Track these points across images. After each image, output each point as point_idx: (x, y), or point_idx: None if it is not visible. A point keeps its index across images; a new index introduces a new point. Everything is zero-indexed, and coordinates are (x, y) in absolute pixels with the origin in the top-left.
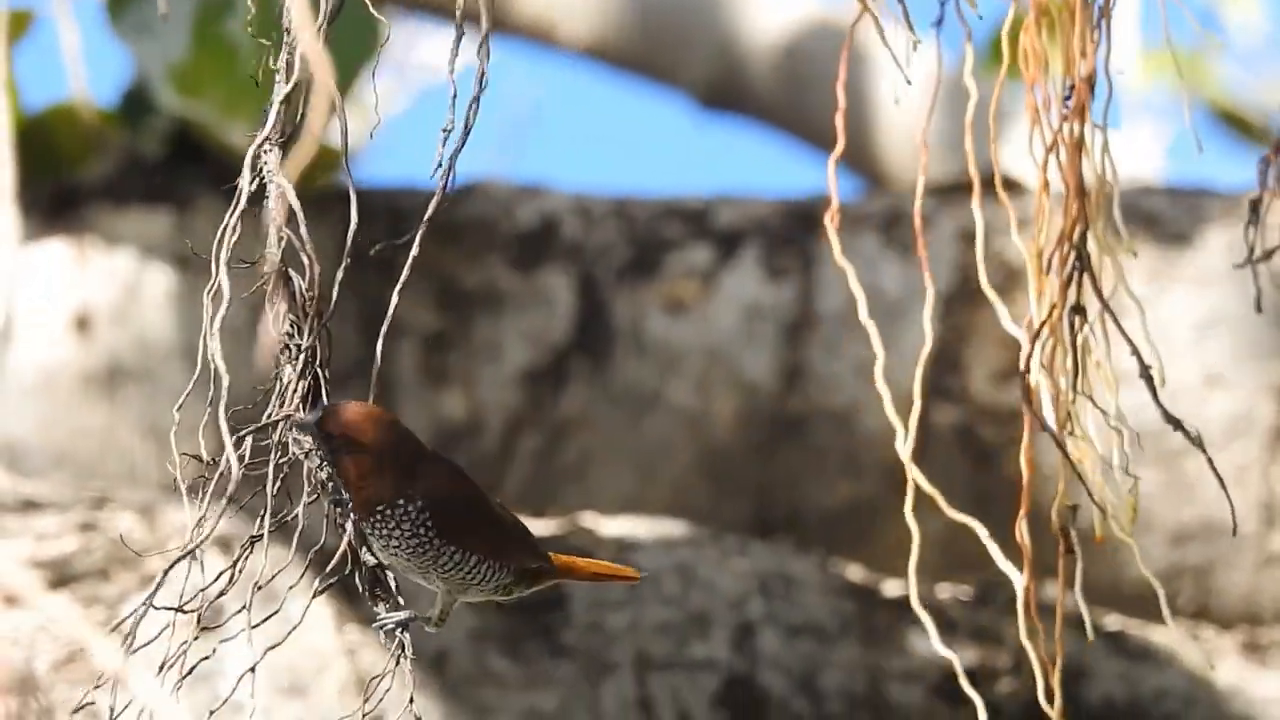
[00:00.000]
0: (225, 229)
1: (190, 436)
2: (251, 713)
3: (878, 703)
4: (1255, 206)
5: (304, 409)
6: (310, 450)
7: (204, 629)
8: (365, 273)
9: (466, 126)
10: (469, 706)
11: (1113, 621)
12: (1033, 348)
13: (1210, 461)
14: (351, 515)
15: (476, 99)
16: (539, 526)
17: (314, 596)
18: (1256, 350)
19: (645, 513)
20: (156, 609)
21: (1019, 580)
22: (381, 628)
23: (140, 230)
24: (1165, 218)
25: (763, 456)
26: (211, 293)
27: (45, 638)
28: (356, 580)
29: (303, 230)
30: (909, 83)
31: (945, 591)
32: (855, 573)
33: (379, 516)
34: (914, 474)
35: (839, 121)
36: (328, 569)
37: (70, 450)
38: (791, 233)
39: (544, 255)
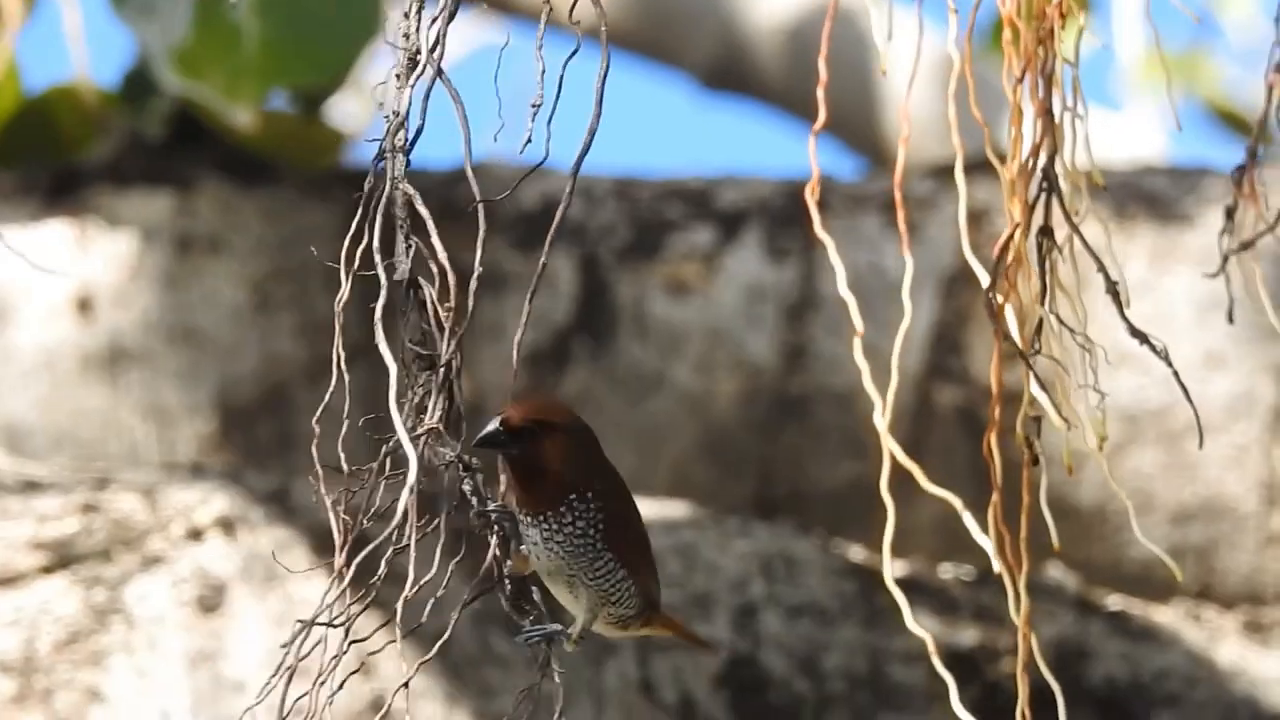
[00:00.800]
0: (354, 230)
1: (191, 416)
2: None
3: (880, 683)
4: (1230, 214)
5: (442, 424)
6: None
7: (205, 609)
8: (368, 254)
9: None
10: (471, 687)
11: (1114, 601)
12: (998, 265)
13: (1184, 390)
14: (519, 513)
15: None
16: None
17: (462, 608)
18: (1258, 331)
19: (647, 493)
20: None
21: (987, 543)
22: (527, 640)
23: (142, 212)
24: (1166, 198)
25: (765, 437)
26: (341, 304)
27: (47, 619)
28: (499, 593)
29: (435, 239)
30: (901, 59)
31: (947, 571)
32: (857, 553)
33: (563, 507)
34: (890, 444)
35: (820, 95)
36: (476, 581)
37: (71, 431)
38: (794, 213)
39: (546, 236)
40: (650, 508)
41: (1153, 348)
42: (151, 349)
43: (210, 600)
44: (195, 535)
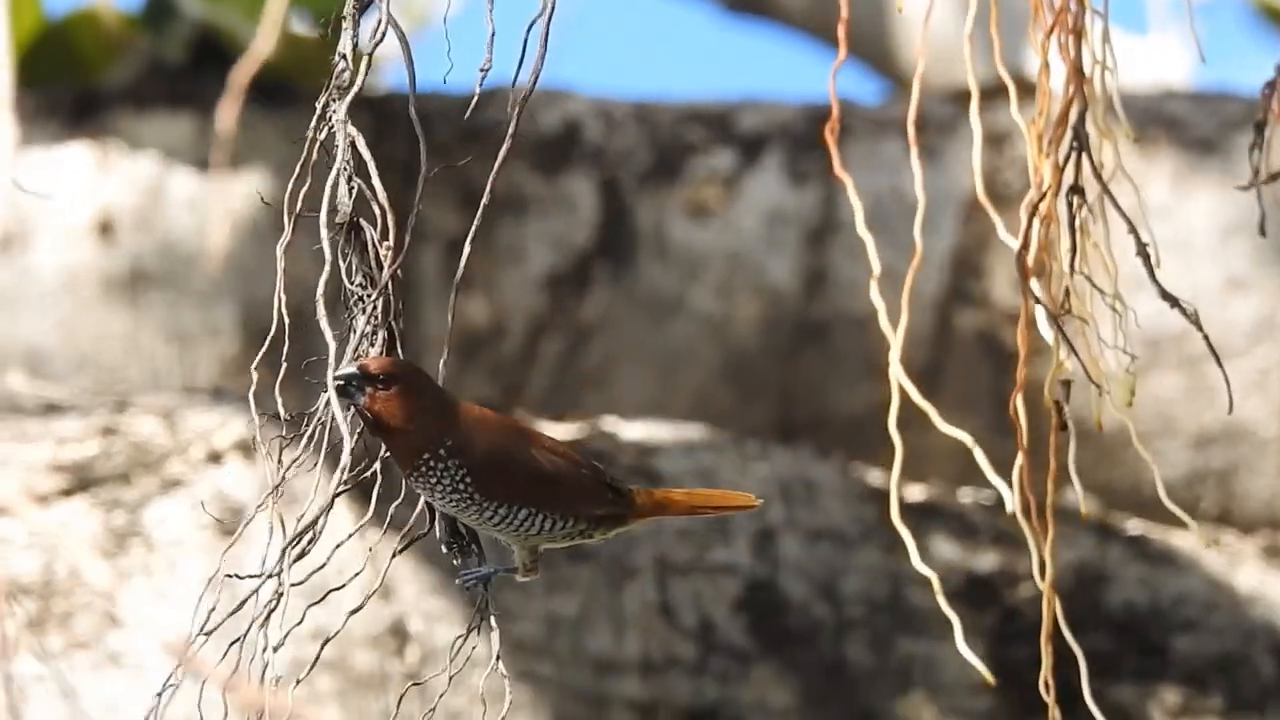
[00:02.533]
0: (296, 176)
1: (212, 339)
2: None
3: (898, 607)
4: (1260, 128)
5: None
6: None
7: (224, 532)
8: (387, 177)
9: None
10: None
11: (1134, 526)
12: (1029, 225)
13: (1207, 339)
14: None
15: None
16: (559, 430)
17: (392, 558)
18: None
19: (667, 417)
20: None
21: (1007, 494)
22: (464, 584)
23: (162, 135)
24: (1189, 123)
25: (785, 361)
26: (283, 246)
27: (67, 541)
28: (436, 533)
29: (375, 180)
30: None
31: (967, 496)
32: (876, 477)
33: (419, 470)
34: (903, 380)
35: (841, 31)
36: (405, 532)
37: (92, 354)
38: (815, 137)
39: (567, 159)
40: (669, 431)
41: (1184, 312)
42: (172, 272)
43: (229, 523)
44: (215, 459)
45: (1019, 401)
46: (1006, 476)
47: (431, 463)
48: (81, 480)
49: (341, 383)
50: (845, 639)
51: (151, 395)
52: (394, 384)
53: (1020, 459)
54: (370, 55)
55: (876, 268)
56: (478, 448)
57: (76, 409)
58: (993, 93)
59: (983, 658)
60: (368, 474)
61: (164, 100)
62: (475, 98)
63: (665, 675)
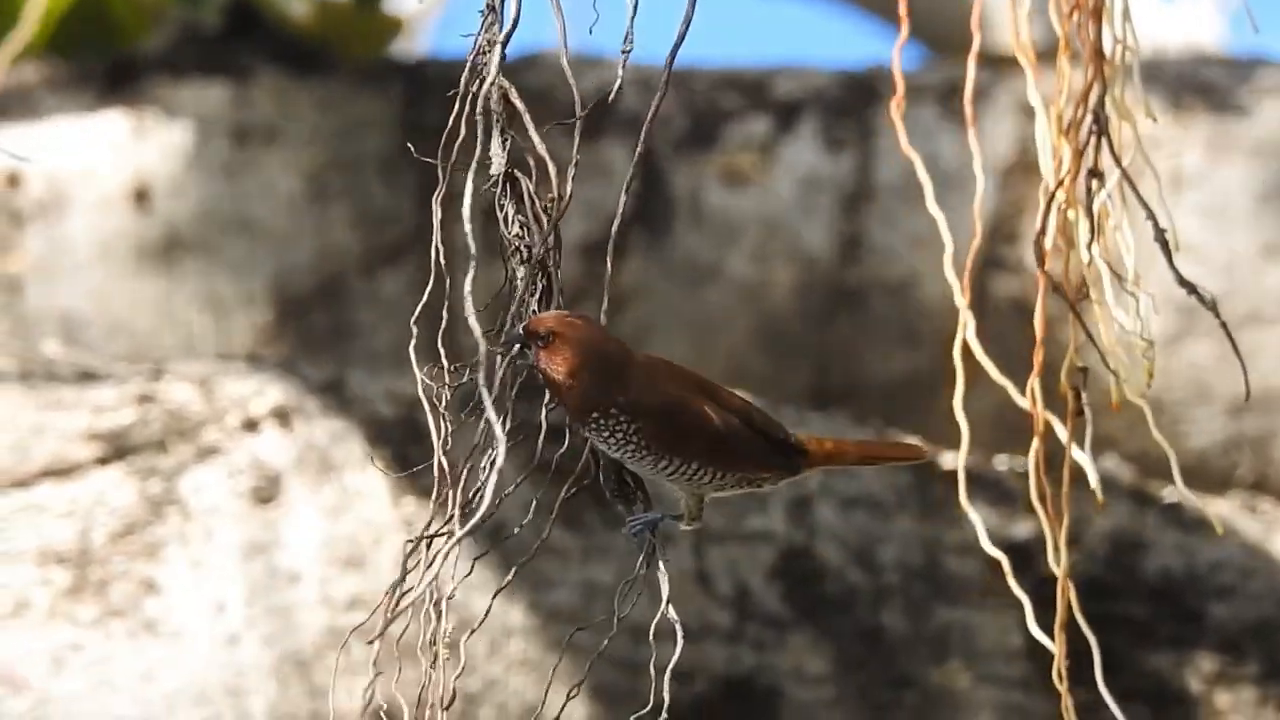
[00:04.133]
0: (448, 132)
1: (247, 307)
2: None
3: (934, 575)
4: None
5: (539, 312)
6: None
7: (261, 500)
8: (423, 143)
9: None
10: (527, 578)
11: (1170, 493)
12: (1048, 210)
13: (1224, 326)
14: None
15: None
16: None
17: (559, 502)
18: None
19: None
20: None
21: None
22: (631, 530)
23: (198, 102)
24: (1222, 88)
25: (820, 327)
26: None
27: (102, 510)
28: (601, 481)
29: (533, 133)
30: None
31: (1003, 463)
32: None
33: (592, 424)
34: (965, 338)
35: (903, 9)
36: (577, 473)
37: (127, 322)
38: (850, 104)
39: (602, 126)
40: None
41: (1201, 299)
42: (208, 239)
43: (265, 491)
44: (251, 426)
45: (1036, 386)
46: (1053, 440)
47: (602, 420)
48: (118, 448)
49: (509, 346)
50: (881, 606)
51: (187, 363)
52: (559, 341)
53: (1036, 444)
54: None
55: (942, 221)
56: (650, 404)
57: (112, 377)
58: (1039, 55)
59: (1019, 625)
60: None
61: (199, 68)
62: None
63: (701, 643)
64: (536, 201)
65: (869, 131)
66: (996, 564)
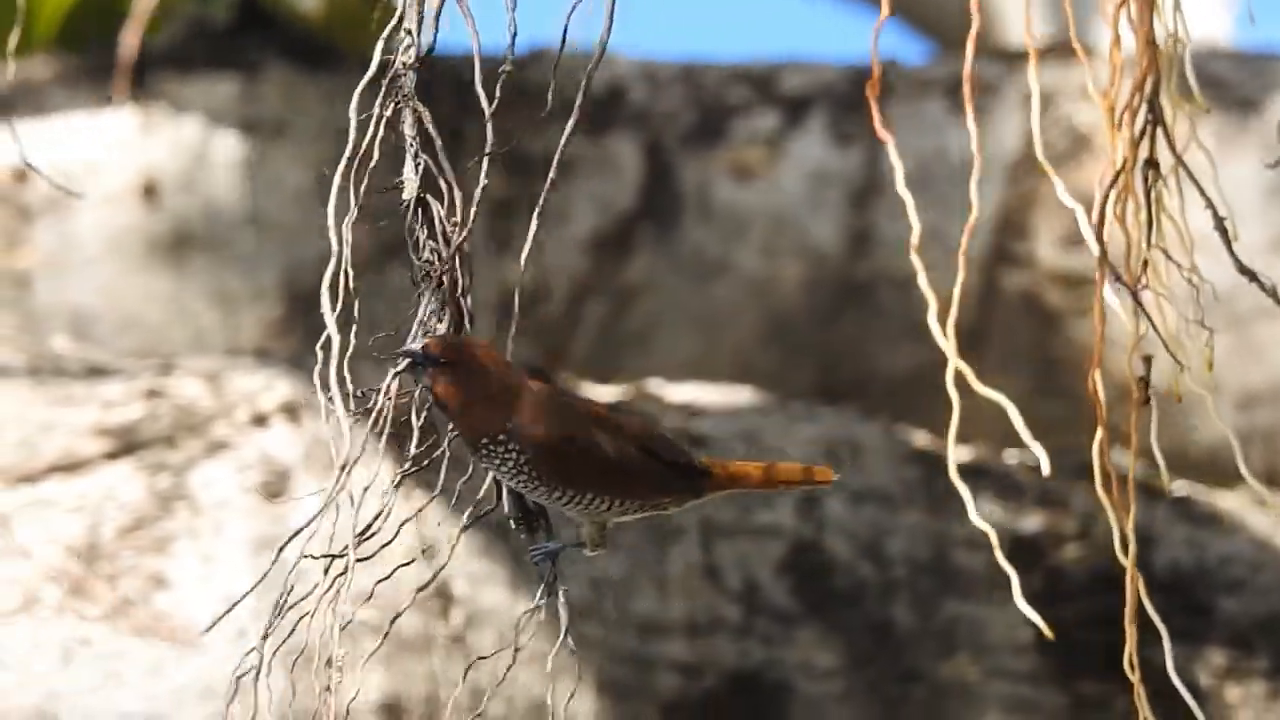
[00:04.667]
0: (356, 153)
1: (256, 302)
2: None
3: (943, 569)
4: None
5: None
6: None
7: (271, 496)
8: (433, 141)
9: None
10: (534, 572)
11: (1180, 487)
12: (1105, 201)
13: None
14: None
15: None
16: (604, 393)
17: (461, 531)
18: None
19: (711, 379)
20: None
21: (1043, 457)
22: (533, 560)
23: (207, 97)
24: (1232, 82)
25: (829, 322)
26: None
27: (112, 505)
28: (505, 507)
29: (442, 156)
30: None
31: (1012, 458)
32: (921, 438)
33: (482, 452)
34: (949, 344)
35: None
36: (476, 504)
37: (136, 317)
38: (859, 98)
39: (611, 121)
40: (714, 393)
41: (1262, 286)
42: (217, 235)
43: (274, 485)
44: (260, 421)
45: (1098, 378)
46: (1047, 437)
47: (492, 446)
48: (126, 443)
49: (408, 360)
50: (890, 600)
51: (196, 358)
52: (454, 365)
53: (1100, 434)
54: (435, 29)
55: (917, 230)
56: (537, 434)
57: (121, 372)
58: (1038, 53)
59: (1028, 620)
60: (435, 453)
61: (208, 62)
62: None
63: (710, 637)
64: (446, 227)
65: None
66: (1008, 556)
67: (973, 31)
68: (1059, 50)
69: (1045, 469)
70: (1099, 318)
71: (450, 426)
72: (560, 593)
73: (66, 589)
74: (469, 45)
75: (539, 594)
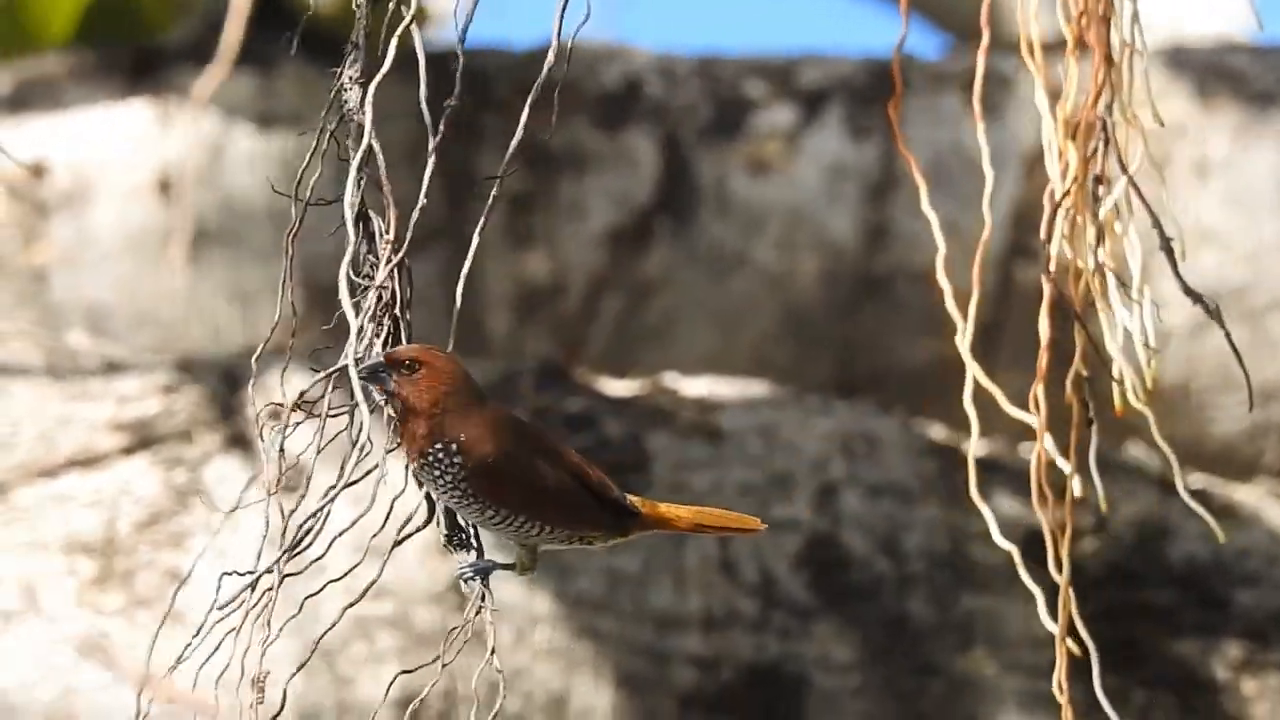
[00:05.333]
0: (305, 166)
1: (272, 296)
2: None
3: (960, 562)
4: None
5: (383, 350)
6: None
7: (287, 490)
8: (450, 132)
9: None
10: (553, 568)
11: (1196, 480)
12: (1054, 217)
13: (1228, 335)
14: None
15: None
16: (620, 387)
17: (393, 546)
18: None
19: (728, 372)
20: None
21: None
22: (461, 577)
23: (223, 92)
24: (1249, 76)
25: (846, 316)
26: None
27: (128, 500)
28: (438, 525)
29: (382, 171)
30: None
31: (1027, 451)
32: (938, 432)
33: (425, 460)
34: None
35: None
36: (409, 519)
37: (153, 312)
38: (876, 92)
39: (628, 115)
40: (731, 386)
41: (1206, 308)
42: (233, 230)
43: (291, 480)
44: (275, 416)
45: (1040, 392)
46: (1063, 430)
47: (439, 454)
48: (143, 438)
49: (368, 371)
50: (907, 594)
51: (212, 353)
52: (421, 369)
53: (1038, 448)
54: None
55: (942, 247)
56: (481, 450)
57: (138, 367)
58: (1053, 46)
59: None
60: (374, 471)
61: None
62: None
63: (727, 631)
64: (386, 243)
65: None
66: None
67: (984, 42)
68: (1064, 48)
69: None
70: (1048, 328)
71: (395, 435)
72: (488, 611)
73: (84, 583)
74: (487, 41)
75: (468, 612)
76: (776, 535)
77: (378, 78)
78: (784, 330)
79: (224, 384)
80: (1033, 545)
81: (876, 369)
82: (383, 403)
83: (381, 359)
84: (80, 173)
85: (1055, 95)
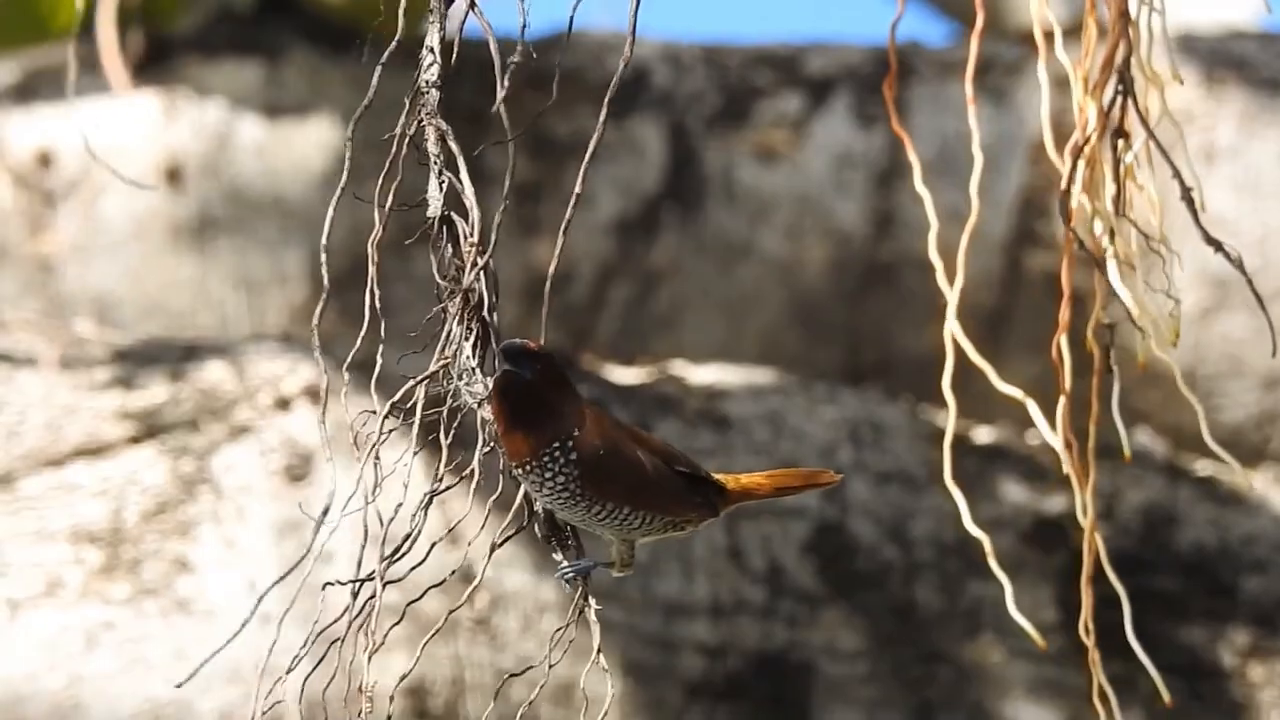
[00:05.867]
0: (384, 175)
1: (282, 286)
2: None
3: (967, 550)
4: None
5: (473, 354)
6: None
7: (293, 478)
8: (456, 123)
9: None
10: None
11: (1203, 467)
12: (1073, 169)
13: (1251, 285)
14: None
15: None
16: (628, 375)
17: (495, 547)
18: None
19: (735, 360)
20: None
21: (1057, 443)
22: (563, 576)
23: (230, 82)
24: (1257, 62)
25: (853, 304)
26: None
27: (134, 489)
28: (535, 529)
29: (464, 175)
30: None
31: (1035, 438)
32: (944, 420)
33: (538, 461)
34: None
35: None
36: (510, 517)
37: (160, 301)
38: (882, 80)
39: (634, 104)
40: (738, 374)
41: (1227, 256)
42: (241, 219)
43: (298, 469)
44: (283, 405)
45: (1064, 342)
46: (1071, 417)
47: (555, 453)
48: (150, 427)
49: (512, 354)
50: (914, 581)
51: (220, 342)
52: (550, 367)
53: (1062, 404)
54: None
55: (934, 225)
56: (592, 446)
57: (145, 356)
58: (1065, 31)
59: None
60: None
61: (232, 47)
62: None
63: (734, 619)
64: (470, 246)
65: (902, 107)
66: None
67: (978, 24)
68: (1078, 30)
69: (1060, 450)
70: (1068, 279)
71: (491, 437)
72: (592, 610)
73: (91, 573)
74: (495, 29)
75: (570, 614)
76: (784, 523)
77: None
78: (791, 318)
79: (231, 373)
80: (1041, 532)
81: (884, 356)
82: (475, 405)
83: (518, 346)
84: (88, 162)
85: (1061, 81)
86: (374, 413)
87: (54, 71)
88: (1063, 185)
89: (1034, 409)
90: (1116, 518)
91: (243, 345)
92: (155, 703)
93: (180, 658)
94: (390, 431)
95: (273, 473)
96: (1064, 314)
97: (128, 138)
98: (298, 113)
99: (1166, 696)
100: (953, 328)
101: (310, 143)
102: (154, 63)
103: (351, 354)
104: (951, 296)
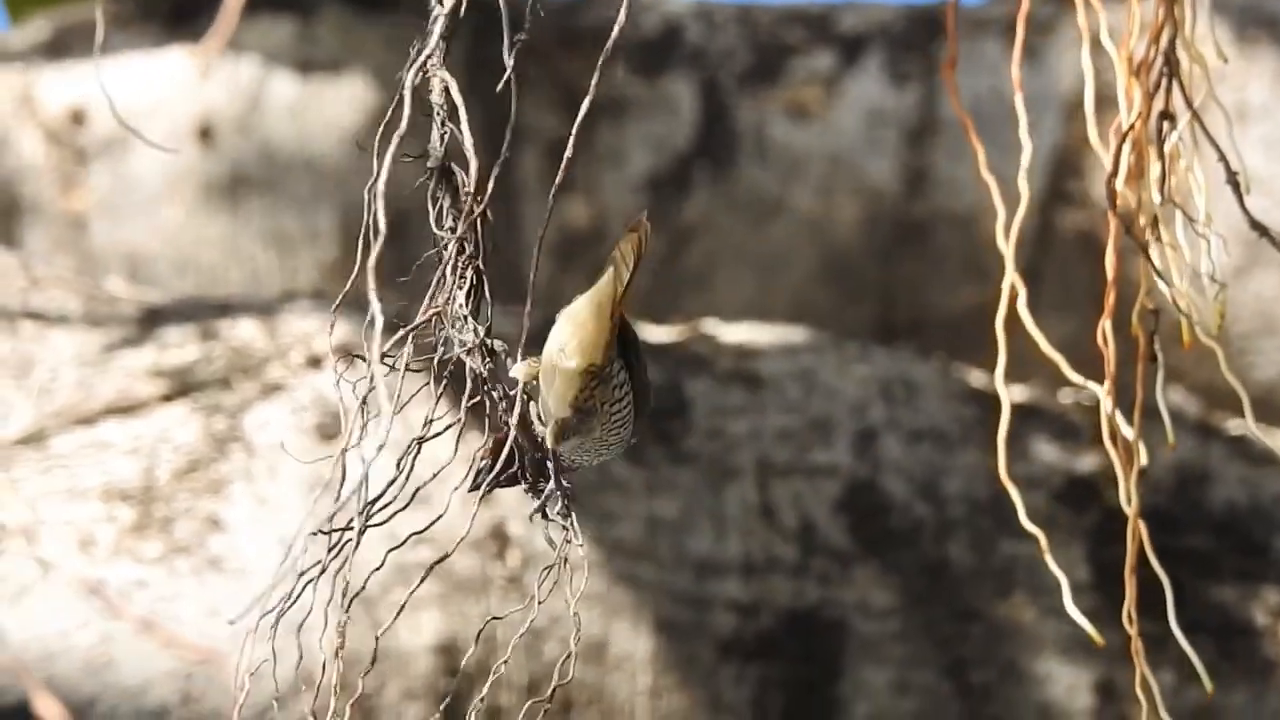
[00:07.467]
0: (386, 119)
1: (314, 244)
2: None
3: (1000, 509)
4: None
5: (465, 305)
6: (469, 348)
7: (325, 436)
8: (489, 79)
9: None
10: (591, 514)
11: (1235, 426)
12: (1119, 152)
13: None
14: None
15: None
16: (659, 333)
17: (481, 497)
18: None
19: (767, 319)
20: None
21: (1101, 391)
22: (539, 513)
23: (263, 39)
24: None
25: (885, 261)
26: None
27: (167, 447)
28: (520, 475)
29: (464, 125)
30: None
31: (1068, 396)
32: (977, 378)
33: (598, 382)
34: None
35: None
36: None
37: (193, 259)
38: (915, 37)
39: (667, 61)
40: (769, 333)
41: (1273, 241)
42: (273, 177)
43: (329, 428)
44: (315, 363)
45: (1108, 328)
46: (1123, 372)
47: (616, 368)
48: (182, 385)
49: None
50: (947, 539)
51: (252, 300)
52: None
53: (1108, 386)
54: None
55: (990, 179)
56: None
57: (177, 314)
58: None
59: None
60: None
61: (264, 3)
62: None
63: (766, 577)
64: (469, 198)
65: (934, 65)
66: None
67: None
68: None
69: (1105, 406)
70: (1114, 264)
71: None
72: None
73: (122, 531)
74: None
75: (559, 550)
76: (816, 481)
77: (437, 30)
78: (823, 276)
79: (263, 331)
80: (1073, 491)
81: (917, 315)
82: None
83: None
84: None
85: (1096, 40)
86: (394, 368)
87: (87, 28)
88: (1109, 170)
89: (1071, 372)
90: (1149, 476)
91: (275, 303)
92: (186, 660)
93: (212, 615)
94: (422, 387)
95: (304, 431)
96: (1109, 299)
97: (160, 95)
98: (331, 70)
99: (1209, 686)
100: (1014, 280)
101: (343, 100)
102: (186, 19)
103: (375, 313)
104: (1008, 252)
